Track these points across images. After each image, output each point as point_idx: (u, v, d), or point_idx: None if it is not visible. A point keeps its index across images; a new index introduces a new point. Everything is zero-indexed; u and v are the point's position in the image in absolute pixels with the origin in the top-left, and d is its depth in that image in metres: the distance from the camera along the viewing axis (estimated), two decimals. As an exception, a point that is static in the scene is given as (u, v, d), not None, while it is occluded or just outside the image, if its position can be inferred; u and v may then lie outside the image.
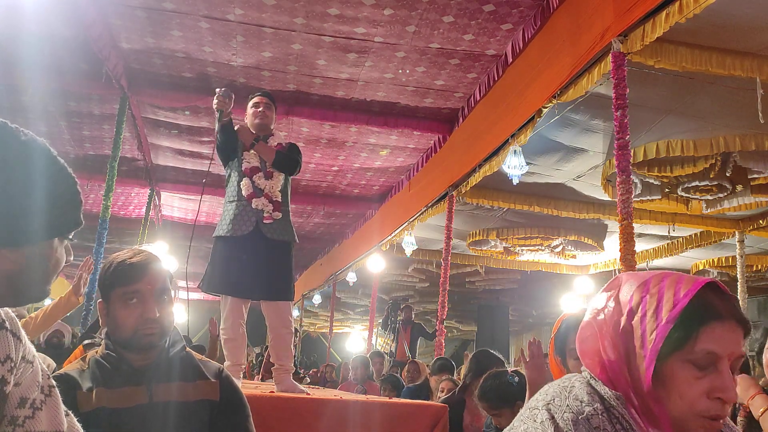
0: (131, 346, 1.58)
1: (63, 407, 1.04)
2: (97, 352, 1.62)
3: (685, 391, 0.91)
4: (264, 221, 3.24)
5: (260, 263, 3.20)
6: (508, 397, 2.62)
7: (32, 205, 0.92)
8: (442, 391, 4.34)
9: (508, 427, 0.99)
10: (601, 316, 1.00)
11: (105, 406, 1.50)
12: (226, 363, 3.22)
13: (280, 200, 3.31)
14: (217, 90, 3.41)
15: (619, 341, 0.96)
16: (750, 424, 2.13)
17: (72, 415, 1.08)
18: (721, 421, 0.98)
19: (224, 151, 3.41)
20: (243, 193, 3.29)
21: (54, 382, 1.04)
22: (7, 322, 0.94)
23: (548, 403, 0.95)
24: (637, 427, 0.92)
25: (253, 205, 3.25)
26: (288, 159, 3.41)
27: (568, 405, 0.93)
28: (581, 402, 0.93)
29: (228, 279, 3.24)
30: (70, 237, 1.02)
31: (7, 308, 0.96)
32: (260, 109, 3.49)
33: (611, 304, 1.00)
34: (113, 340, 1.61)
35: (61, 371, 1.58)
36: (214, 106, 3.36)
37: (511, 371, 2.81)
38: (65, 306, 3.63)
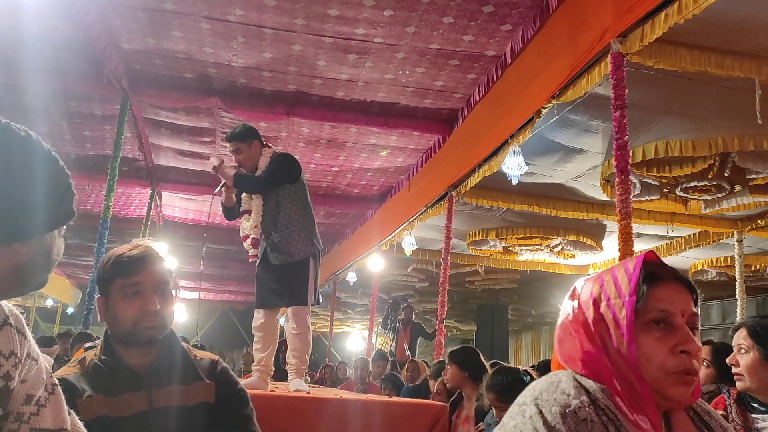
0: (131, 340, 1.56)
1: (66, 406, 1.05)
2: (95, 355, 1.59)
3: (651, 353, 0.97)
4: (249, 259, 3.61)
5: (273, 279, 3.50)
6: (517, 393, 2.64)
7: (36, 199, 0.98)
8: (434, 393, 4.35)
9: (498, 425, 1.01)
10: (571, 318, 1.07)
11: (106, 414, 1.48)
12: (253, 364, 3.57)
13: (258, 237, 3.56)
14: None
15: (593, 333, 1.02)
16: None
17: (74, 414, 1.09)
18: (698, 402, 1.05)
19: (230, 219, 3.77)
20: (240, 235, 3.70)
21: (56, 381, 1.05)
22: (11, 319, 0.95)
23: (536, 398, 0.98)
24: (622, 416, 0.96)
25: (245, 246, 3.64)
26: (245, 181, 3.55)
27: (555, 399, 0.97)
28: (568, 395, 0.97)
29: (257, 296, 3.61)
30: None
31: (12, 306, 0.98)
32: (232, 157, 3.64)
33: (575, 306, 1.07)
34: (113, 336, 1.59)
35: (59, 375, 1.52)
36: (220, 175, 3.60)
37: (523, 370, 2.83)
38: None
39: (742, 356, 1.99)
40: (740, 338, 2.02)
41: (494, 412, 2.83)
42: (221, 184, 3.52)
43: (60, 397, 1.04)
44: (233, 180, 3.47)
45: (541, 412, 0.95)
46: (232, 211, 3.66)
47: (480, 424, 3.28)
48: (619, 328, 0.99)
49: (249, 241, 3.54)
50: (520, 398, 1.02)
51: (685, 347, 0.97)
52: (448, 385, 3.88)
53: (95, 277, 1.63)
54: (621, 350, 0.98)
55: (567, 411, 0.94)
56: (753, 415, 2.03)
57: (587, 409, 0.94)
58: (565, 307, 1.09)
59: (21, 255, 0.98)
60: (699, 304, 1.05)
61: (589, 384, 0.99)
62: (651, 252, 1.06)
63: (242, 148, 3.50)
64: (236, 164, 3.55)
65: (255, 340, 3.55)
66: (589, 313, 1.03)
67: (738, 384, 2.03)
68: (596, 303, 1.03)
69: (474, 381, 3.56)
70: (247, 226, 3.56)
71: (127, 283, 1.55)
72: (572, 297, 1.09)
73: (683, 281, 1.03)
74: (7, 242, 0.96)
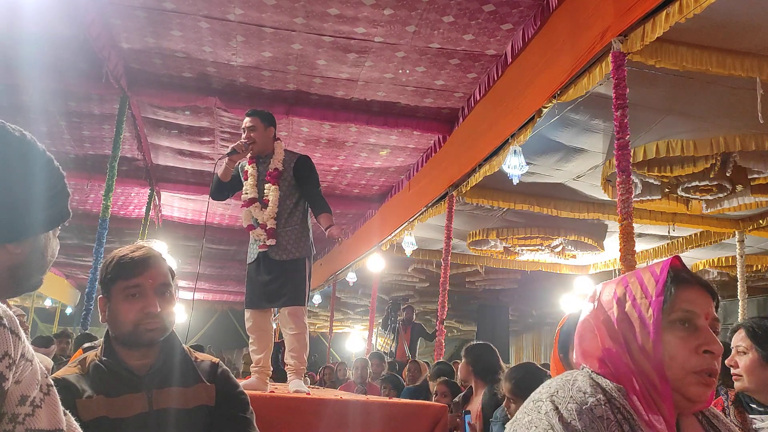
0: (132, 342, 1.56)
1: (61, 406, 1.04)
2: (96, 355, 1.59)
3: (675, 351, 0.99)
4: (259, 249, 3.51)
5: (269, 279, 3.46)
6: (532, 389, 2.61)
7: (31, 199, 0.98)
8: (439, 395, 4.34)
9: (511, 420, 1.01)
10: (593, 317, 1.08)
11: (105, 415, 1.48)
12: (251, 365, 3.53)
13: (275, 227, 3.48)
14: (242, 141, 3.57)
15: (616, 331, 1.03)
16: None
17: (70, 414, 1.07)
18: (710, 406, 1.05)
19: (215, 198, 3.66)
20: (243, 224, 3.59)
21: (51, 381, 1.04)
22: (5, 320, 0.94)
23: (552, 395, 0.99)
24: (638, 416, 0.97)
25: (252, 237, 3.54)
26: (324, 206, 3.55)
27: (572, 396, 0.97)
28: (584, 393, 0.98)
29: (248, 296, 3.57)
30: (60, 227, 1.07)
31: (6, 307, 0.96)
32: (244, 134, 3.58)
33: (597, 306, 1.08)
34: (114, 337, 1.59)
35: (59, 375, 1.53)
36: (232, 146, 3.54)
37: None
38: None
39: (741, 357, 2.01)
40: (739, 339, 2.03)
41: (505, 402, 2.82)
42: (229, 151, 3.48)
43: (55, 398, 1.03)
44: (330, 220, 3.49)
45: (557, 408, 0.96)
46: (224, 188, 3.61)
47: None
48: (645, 326, 1.00)
49: (263, 230, 3.47)
50: (534, 395, 1.03)
51: (708, 347, 0.99)
52: (459, 376, 3.91)
53: (98, 278, 1.63)
54: (646, 348, 1.00)
55: (583, 408, 0.95)
56: (751, 416, 2.03)
57: (603, 407, 0.95)
58: (586, 309, 1.11)
59: (15, 256, 0.98)
60: (718, 309, 1.07)
61: (606, 383, 1.00)
62: (676, 257, 1.08)
63: (259, 127, 3.55)
64: (247, 141, 3.50)
65: (250, 341, 3.53)
66: (613, 312, 1.05)
67: (736, 384, 2.04)
68: (620, 302, 1.05)
69: (480, 377, 3.60)
70: (261, 215, 3.48)
71: (129, 285, 1.55)
72: (592, 299, 1.11)
73: (706, 286, 1.06)
74: (1, 243, 0.95)
